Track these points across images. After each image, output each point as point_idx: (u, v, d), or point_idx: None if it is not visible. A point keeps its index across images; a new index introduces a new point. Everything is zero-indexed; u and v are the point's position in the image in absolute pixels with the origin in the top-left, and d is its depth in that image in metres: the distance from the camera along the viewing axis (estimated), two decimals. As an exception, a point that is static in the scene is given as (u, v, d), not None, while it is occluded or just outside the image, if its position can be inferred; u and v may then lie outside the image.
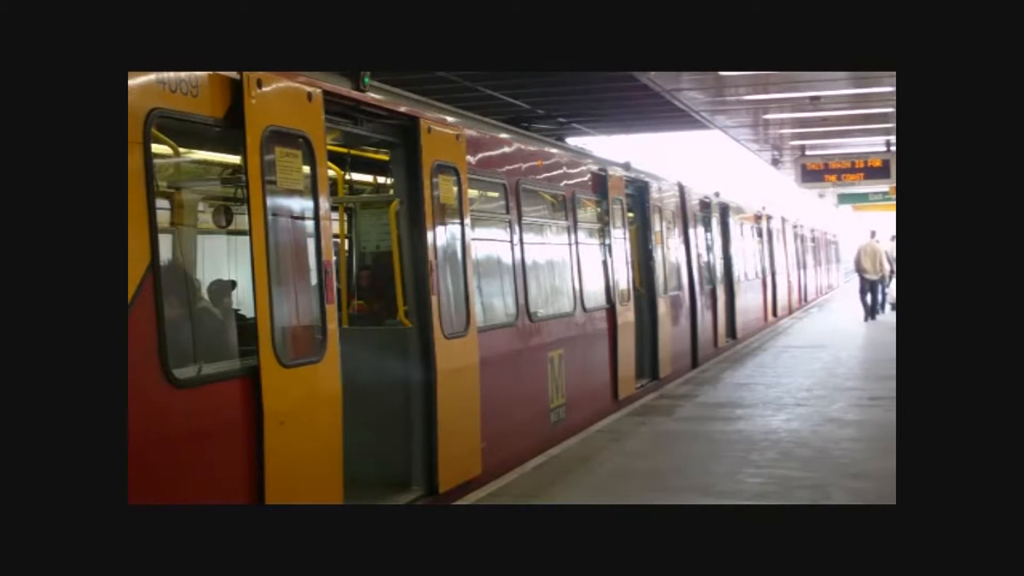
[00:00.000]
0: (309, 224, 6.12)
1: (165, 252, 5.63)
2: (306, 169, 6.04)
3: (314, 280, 6.11)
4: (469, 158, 8.59)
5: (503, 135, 9.88)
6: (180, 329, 5.44)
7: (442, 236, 7.75)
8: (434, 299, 7.43)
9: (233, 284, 7.13)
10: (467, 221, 8.13)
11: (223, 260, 8.59)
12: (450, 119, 8.25)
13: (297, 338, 5.96)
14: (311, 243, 6.12)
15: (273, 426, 5.52)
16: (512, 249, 9.37)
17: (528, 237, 9.77)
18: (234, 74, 5.48)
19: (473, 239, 8.47)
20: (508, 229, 9.33)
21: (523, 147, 10.10)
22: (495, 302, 9.18)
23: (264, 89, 5.66)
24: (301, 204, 6.06)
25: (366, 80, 7.00)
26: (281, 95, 5.88)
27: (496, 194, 9.40)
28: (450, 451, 7.50)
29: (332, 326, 6.13)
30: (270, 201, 5.66)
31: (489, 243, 9.24)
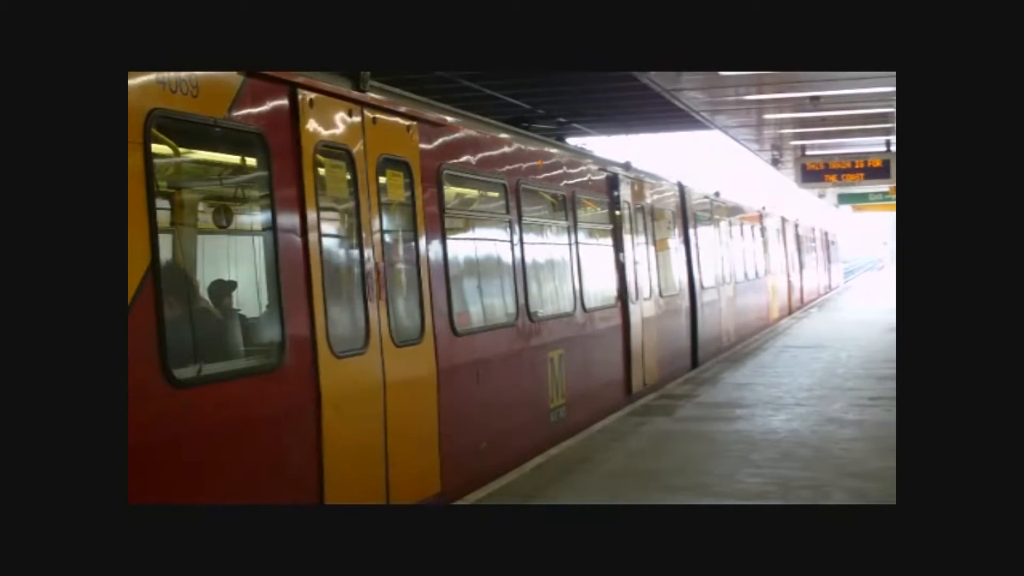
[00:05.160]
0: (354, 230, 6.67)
1: (166, 252, 5.63)
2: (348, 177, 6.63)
3: (359, 282, 6.67)
4: (469, 157, 8.58)
5: (503, 135, 9.85)
6: (180, 329, 5.44)
7: (390, 238, 7.27)
8: (379, 305, 6.84)
9: (234, 285, 7.12)
10: (420, 221, 7.56)
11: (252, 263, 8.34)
12: (403, 108, 7.55)
13: (346, 332, 6.49)
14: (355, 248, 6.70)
15: (329, 411, 6.04)
16: (512, 249, 9.35)
17: (528, 237, 9.76)
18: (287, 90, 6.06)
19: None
20: (508, 229, 9.32)
21: (523, 147, 10.09)
22: (495, 302, 9.16)
23: (315, 107, 6.29)
24: (347, 211, 6.60)
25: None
26: (330, 112, 6.42)
27: (496, 194, 9.39)
28: (398, 469, 6.86)
29: (373, 322, 6.68)
30: (322, 211, 6.28)
31: (489, 243, 9.23)
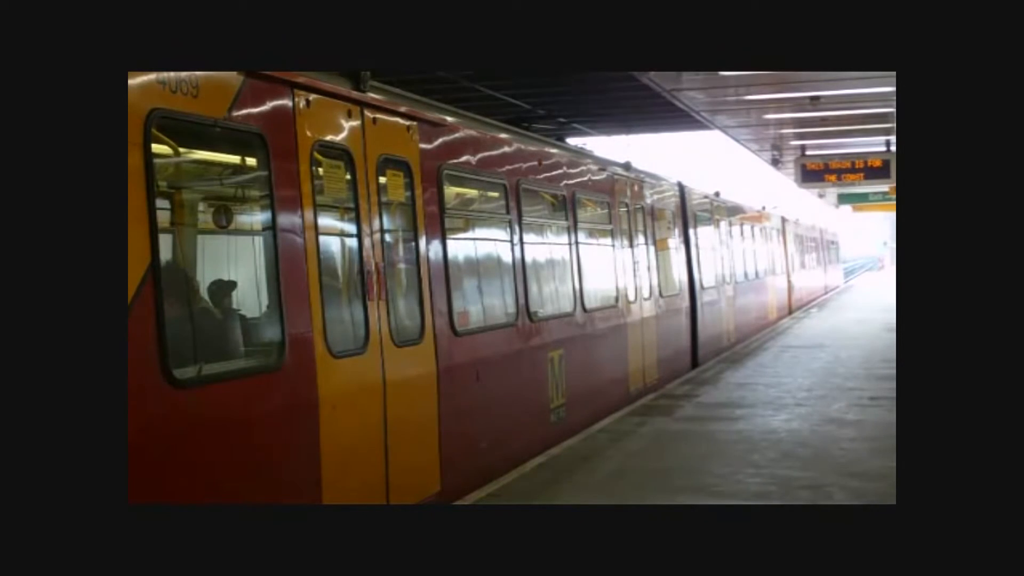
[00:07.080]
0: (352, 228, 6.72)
1: (166, 252, 5.63)
2: (348, 177, 6.64)
3: (358, 282, 6.65)
4: (469, 157, 8.58)
5: (503, 135, 9.85)
6: (180, 329, 5.44)
7: (390, 237, 7.25)
8: (378, 304, 6.85)
9: (233, 285, 7.12)
10: (420, 221, 7.55)
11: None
12: (403, 108, 7.54)
13: (344, 332, 6.48)
14: (354, 247, 6.70)
15: (327, 411, 6.06)
16: (512, 249, 9.34)
17: (528, 237, 9.76)
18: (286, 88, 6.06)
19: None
20: (508, 229, 9.32)
21: (523, 147, 10.08)
22: (495, 303, 9.16)
23: (315, 107, 6.29)
24: (347, 211, 6.66)
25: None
26: (328, 112, 6.40)
27: (496, 194, 9.39)
28: (398, 468, 6.86)
29: (373, 322, 6.66)
30: (320, 211, 6.29)
31: (489, 243, 9.22)
